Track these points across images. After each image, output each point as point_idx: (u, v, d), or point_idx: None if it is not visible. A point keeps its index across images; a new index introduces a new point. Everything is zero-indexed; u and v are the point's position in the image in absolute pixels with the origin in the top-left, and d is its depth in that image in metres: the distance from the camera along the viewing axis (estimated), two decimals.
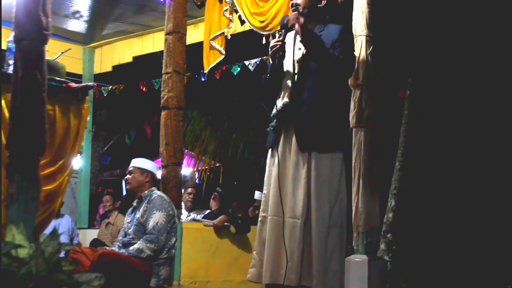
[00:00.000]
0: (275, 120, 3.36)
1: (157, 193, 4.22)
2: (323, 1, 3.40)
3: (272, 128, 3.36)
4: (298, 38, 3.39)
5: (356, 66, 3.73)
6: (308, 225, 3.23)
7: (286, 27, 3.35)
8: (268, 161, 3.43)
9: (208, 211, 5.94)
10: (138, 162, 4.34)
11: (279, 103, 3.37)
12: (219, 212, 5.53)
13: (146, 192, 4.24)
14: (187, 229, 4.55)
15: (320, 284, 3.16)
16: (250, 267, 3.42)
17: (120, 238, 4.24)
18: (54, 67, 3.33)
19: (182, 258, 4.40)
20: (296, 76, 3.35)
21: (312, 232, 3.22)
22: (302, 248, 3.20)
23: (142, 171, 4.28)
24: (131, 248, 3.98)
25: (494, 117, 7.50)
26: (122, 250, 4.01)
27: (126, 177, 4.34)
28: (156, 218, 4.04)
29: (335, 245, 3.22)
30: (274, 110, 3.39)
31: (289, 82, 3.36)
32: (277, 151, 3.33)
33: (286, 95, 3.35)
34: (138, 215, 4.14)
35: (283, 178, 3.29)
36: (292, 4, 3.42)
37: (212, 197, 6.17)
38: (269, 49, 3.37)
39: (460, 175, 7.49)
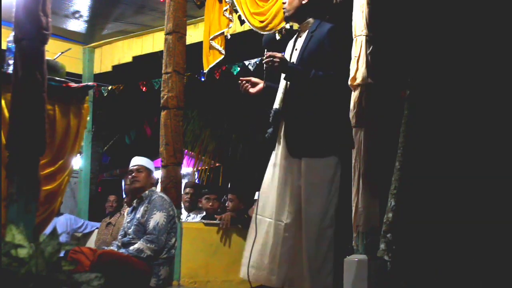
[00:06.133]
0: (271, 127, 3.39)
1: (157, 193, 4.22)
2: None
3: (269, 135, 3.39)
4: (300, 40, 3.42)
5: (356, 66, 3.72)
6: (297, 229, 3.26)
7: (267, 46, 3.34)
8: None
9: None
10: (146, 162, 4.32)
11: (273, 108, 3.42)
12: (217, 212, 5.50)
13: (147, 192, 4.24)
14: (187, 229, 4.55)
15: (314, 286, 3.18)
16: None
17: (120, 238, 4.23)
18: (54, 67, 3.34)
19: (182, 258, 4.40)
20: (287, 81, 3.37)
21: (302, 235, 3.25)
22: (286, 251, 3.25)
23: (150, 172, 4.29)
24: (131, 248, 3.97)
25: (495, 117, 7.49)
26: (122, 250, 4.01)
27: (133, 174, 4.25)
28: (157, 218, 4.03)
29: (329, 246, 3.25)
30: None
31: (282, 87, 3.39)
32: (273, 156, 3.39)
33: (277, 100, 3.38)
34: (138, 215, 4.14)
35: (273, 181, 3.35)
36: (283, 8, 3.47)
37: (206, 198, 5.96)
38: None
39: (461, 175, 7.48)
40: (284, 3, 3.47)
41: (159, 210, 4.06)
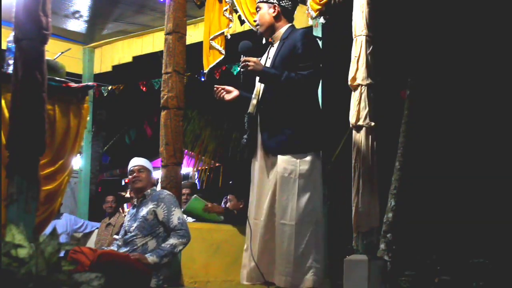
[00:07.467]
0: (246, 134, 3.54)
1: (165, 191, 4.23)
2: (274, 10, 3.56)
3: (245, 141, 3.54)
4: (272, 49, 3.59)
5: (356, 66, 3.76)
6: (272, 225, 3.38)
7: (243, 53, 3.50)
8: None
9: None
10: (146, 163, 4.35)
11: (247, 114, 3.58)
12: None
13: (149, 191, 4.25)
14: None
15: (289, 282, 3.24)
16: None
17: (120, 237, 4.23)
18: (54, 67, 3.33)
19: (182, 258, 4.40)
20: (262, 84, 3.54)
21: (276, 232, 3.37)
22: (261, 247, 3.41)
23: (150, 172, 4.32)
24: (163, 244, 3.97)
25: (494, 117, 7.51)
26: (158, 247, 4.00)
27: (135, 174, 4.27)
28: (178, 214, 4.09)
29: (310, 242, 3.32)
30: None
31: (255, 92, 3.57)
32: (254, 158, 3.56)
33: (251, 105, 3.56)
34: (142, 212, 4.12)
35: (253, 183, 3.55)
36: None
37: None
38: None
39: (460, 174, 7.50)
40: (255, 20, 3.68)
41: (176, 206, 4.12)
